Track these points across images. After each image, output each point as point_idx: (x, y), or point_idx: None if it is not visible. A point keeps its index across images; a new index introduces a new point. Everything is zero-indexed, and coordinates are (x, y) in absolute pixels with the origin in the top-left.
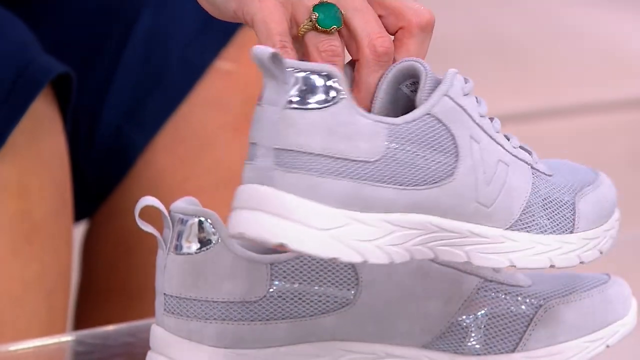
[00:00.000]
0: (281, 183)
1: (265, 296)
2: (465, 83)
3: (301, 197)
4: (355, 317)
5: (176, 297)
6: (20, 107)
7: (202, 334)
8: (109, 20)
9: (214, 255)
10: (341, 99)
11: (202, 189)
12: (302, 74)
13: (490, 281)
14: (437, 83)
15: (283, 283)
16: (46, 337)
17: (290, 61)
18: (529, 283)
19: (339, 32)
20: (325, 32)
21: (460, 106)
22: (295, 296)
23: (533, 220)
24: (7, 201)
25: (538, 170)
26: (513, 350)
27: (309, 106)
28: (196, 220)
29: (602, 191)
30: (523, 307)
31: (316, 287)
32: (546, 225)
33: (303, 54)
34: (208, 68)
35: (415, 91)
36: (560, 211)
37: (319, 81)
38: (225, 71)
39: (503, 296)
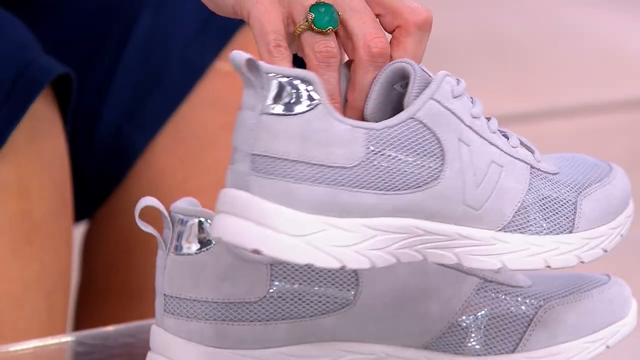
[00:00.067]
0: (257, 189)
1: (265, 297)
2: (458, 84)
3: (276, 203)
4: (355, 317)
5: (176, 297)
6: (21, 107)
7: (202, 334)
8: (109, 20)
9: (214, 256)
10: (317, 105)
11: (202, 189)
12: (279, 80)
13: (490, 282)
14: (427, 85)
15: (283, 283)
16: (46, 337)
17: (267, 66)
18: (529, 284)
19: (336, 32)
20: (321, 32)
21: (448, 109)
22: (295, 297)
23: (528, 221)
24: (7, 201)
25: (539, 169)
26: (513, 351)
27: (285, 112)
28: (196, 220)
29: (612, 188)
30: (523, 307)
31: (316, 288)
32: (542, 226)
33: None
34: (208, 68)
35: None
36: (560, 211)
37: (295, 87)
38: (225, 71)
39: (503, 297)
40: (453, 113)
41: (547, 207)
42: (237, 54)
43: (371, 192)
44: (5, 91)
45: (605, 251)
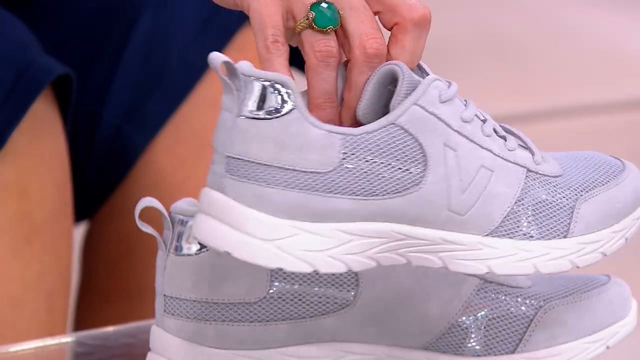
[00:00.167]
0: (231, 191)
1: (265, 297)
2: (449, 87)
3: (248, 207)
4: (355, 318)
5: (176, 298)
6: (21, 108)
7: (202, 335)
8: (109, 20)
9: (214, 257)
10: (292, 109)
11: (202, 189)
12: (255, 83)
13: (490, 282)
14: (415, 88)
15: (283, 284)
16: (46, 338)
17: (244, 69)
18: (529, 284)
19: (335, 30)
20: (321, 31)
21: (434, 114)
22: (295, 297)
23: (518, 226)
24: (7, 202)
25: (537, 173)
26: (513, 352)
27: (260, 116)
28: None
29: (618, 190)
30: (523, 308)
31: (316, 288)
32: (533, 231)
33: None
34: (208, 68)
35: None
36: (554, 215)
37: (271, 90)
38: None
39: (503, 297)
40: (439, 118)
41: (540, 212)
42: (215, 56)
43: (347, 197)
44: (5, 91)
45: (605, 255)
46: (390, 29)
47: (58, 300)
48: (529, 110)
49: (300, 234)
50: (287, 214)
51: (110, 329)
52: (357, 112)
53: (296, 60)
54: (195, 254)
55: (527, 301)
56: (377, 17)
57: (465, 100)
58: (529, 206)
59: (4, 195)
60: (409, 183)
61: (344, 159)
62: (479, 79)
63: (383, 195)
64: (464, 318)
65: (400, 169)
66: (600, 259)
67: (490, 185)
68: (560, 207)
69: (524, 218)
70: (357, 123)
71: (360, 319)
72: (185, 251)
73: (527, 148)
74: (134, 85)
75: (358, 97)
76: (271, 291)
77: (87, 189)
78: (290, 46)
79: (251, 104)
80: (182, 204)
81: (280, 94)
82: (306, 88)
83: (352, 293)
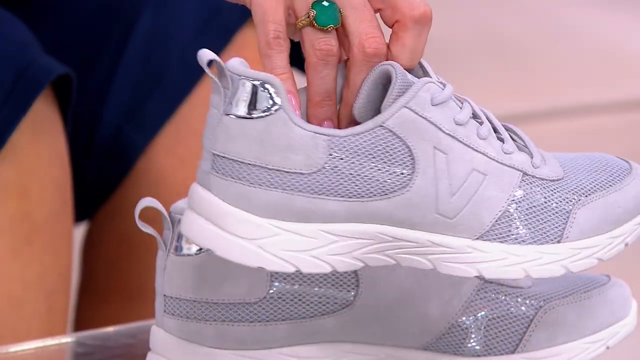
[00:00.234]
0: (216, 188)
1: (265, 297)
2: (443, 89)
3: (231, 205)
4: (355, 318)
5: (176, 298)
6: (21, 108)
7: (202, 335)
8: (109, 20)
9: (214, 257)
10: (278, 109)
11: None
12: (243, 82)
13: (490, 282)
14: (407, 90)
15: (283, 284)
16: (46, 338)
17: (231, 68)
18: (529, 284)
19: (336, 29)
20: (322, 30)
21: (424, 117)
22: (295, 297)
23: (509, 230)
24: (7, 202)
25: (534, 176)
26: (513, 352)
27: (246, 114)
28: None
29: (619, 195)
30: (523, 308)
31: (316, 289)
32: (525, 235)
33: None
34: None
35: None
36: (549, 220)
37: (258, 90)
38: None
39: (503, 297)
40: (429, 121)
41: (534, 216)
42: (203, 54)
43: (332, 198)
44: (5, 91)
45: (602, 260)
46: (391, 27)
47: (58, 300)
48: (529, 110)
49: (283, 234)
50: (270, 214)
51: (110, 329)
52: (354, 110)
53: (296, 60)
54: (195, 254)
55: (527, 301)
56: (378, 14)
57: (462, 101)
58: (523, 210)
59: (4, 195)
60: (395, 186)
61: (329, 160)
62: (479, 79)
63: (369, 197)
64: (464, 318)
65: (387, 171)
66: (597, 264)
67: (481, 189)
68: (556, 212)
69: (517, 222)
70: (355, 122)
71: (361, 319)
72: (185, 251)
73: (527, 150)
74: (134, 85)
75: (356, 95)
76: (271, 291)
77: (87, 189)
78: (292, 41)
79: (237, 102)
80: (182, 204)
81: (266, 94)
82: (305, 85)
83: (352, 293)
